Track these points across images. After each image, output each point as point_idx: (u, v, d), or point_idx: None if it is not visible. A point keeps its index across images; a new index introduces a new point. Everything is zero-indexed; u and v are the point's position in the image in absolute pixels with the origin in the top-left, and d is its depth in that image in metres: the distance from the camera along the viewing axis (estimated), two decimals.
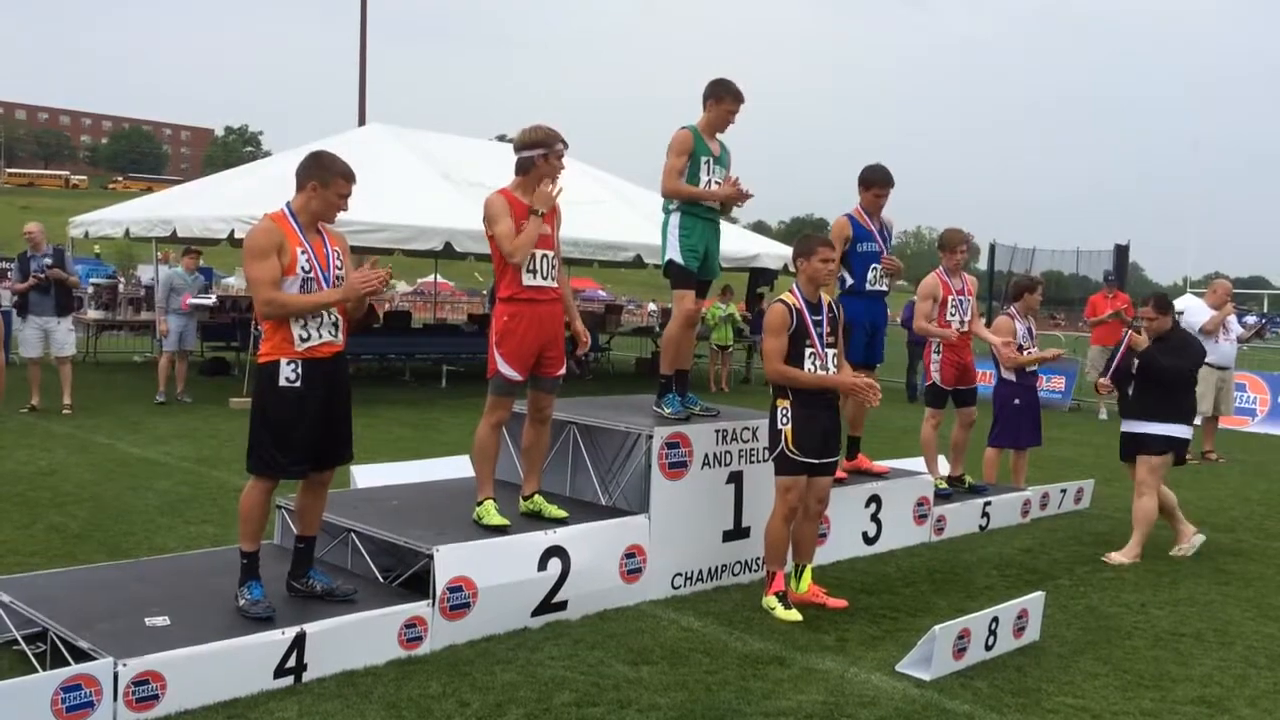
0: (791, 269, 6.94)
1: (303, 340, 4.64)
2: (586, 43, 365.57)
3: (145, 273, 28.77)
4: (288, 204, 4.76)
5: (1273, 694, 4.88)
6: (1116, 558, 7.23)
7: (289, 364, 4.62)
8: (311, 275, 4.66)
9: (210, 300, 13.70)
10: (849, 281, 7.20)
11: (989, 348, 8.82)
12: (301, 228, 4.70)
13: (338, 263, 4.79)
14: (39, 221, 12.71)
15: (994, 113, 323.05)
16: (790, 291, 5.90)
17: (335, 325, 4.76)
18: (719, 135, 6.40)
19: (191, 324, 13.60)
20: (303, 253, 4.64)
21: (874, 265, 7.28)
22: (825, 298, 5.93)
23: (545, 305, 5.52)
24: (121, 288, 21.09)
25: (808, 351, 5.73)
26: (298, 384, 4.63)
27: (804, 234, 6.44)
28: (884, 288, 7.40)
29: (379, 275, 4.69)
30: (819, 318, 5.80)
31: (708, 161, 6.24)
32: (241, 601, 4.70)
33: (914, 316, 8.41)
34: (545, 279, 5.51)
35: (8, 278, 18.34)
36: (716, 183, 6.29)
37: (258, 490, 4.76)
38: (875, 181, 7.34)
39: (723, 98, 6.30)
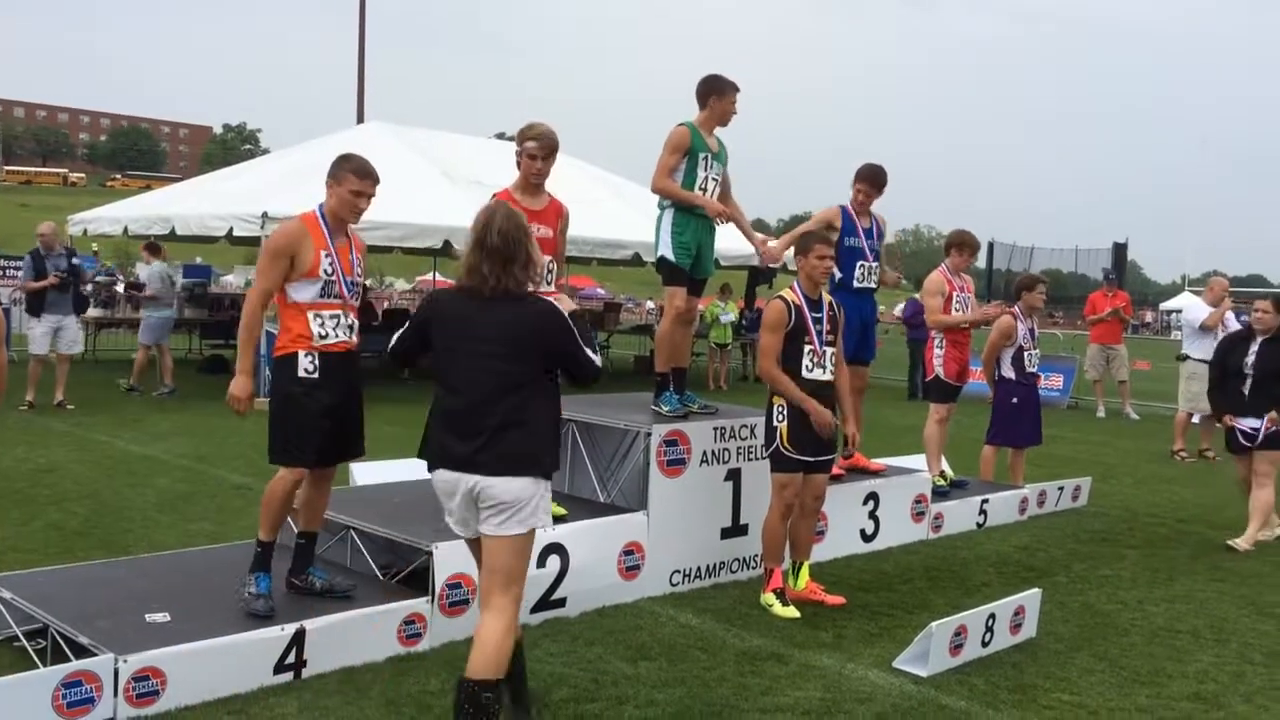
0: (791, 267, 6.95)
1: (320, 338, 4.76)
2: (583, 39, 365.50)
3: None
4: (320, 205, 4.88)
5: (1268, 690, 4.90)
6: (1240, 544, 7.64)
7: (307, 356, 4.72)
8: (334, 278, 4.78)
9: (148, 290, 13.90)
10: (837, 275, 7.18)
11: (983, 346, 8.83)
12: (330, 230, 4.81)
13: (359, 269, 4.93)
14: (51, 222, 12.79)
15: (991, 111, 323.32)
16: (791, 288, 5.91)
17: (351, 326, 4.89)
18: (716, 131, 6.38)
19: (152, 318, 13.82)
20: (326, 255, 4.75)
21: (861, 262, 7.30)
22: (826, 295, 5.95)
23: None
24: (120, 286, 21.13)
25: (806, 349, 5.74)
26: (315, 374, 4.73)
27: (804, 232, 6.44)
28: (872, 285, 7.43)
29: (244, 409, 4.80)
30: (819, 315, 5.81)
31: (705, 158, 6.22)
32: (247, 591, 4.70)
33: (925, 314, 8.42)
34: (537, 285, 5.45)
35: (6, 275, 18.37)
36: (714, 179, 6.28)
37: (285, 481, 4.79)
38: (866, 180, 7.40)
39: (725, 91, 6.28)
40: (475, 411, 3.79)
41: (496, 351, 3.79)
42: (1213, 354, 8.42)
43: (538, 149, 5.46)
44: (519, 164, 5.55)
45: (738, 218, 6.49)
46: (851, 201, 7.40)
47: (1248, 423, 7.74)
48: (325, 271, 4.73)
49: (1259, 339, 7.81)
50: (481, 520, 3.78)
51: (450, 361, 3.86)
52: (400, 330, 4.10)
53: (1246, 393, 7.73)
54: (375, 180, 4.88)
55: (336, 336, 4.80)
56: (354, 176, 4.80)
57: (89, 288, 18.70)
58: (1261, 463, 7.73)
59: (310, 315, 4.73)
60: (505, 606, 3.74)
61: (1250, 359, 7.76)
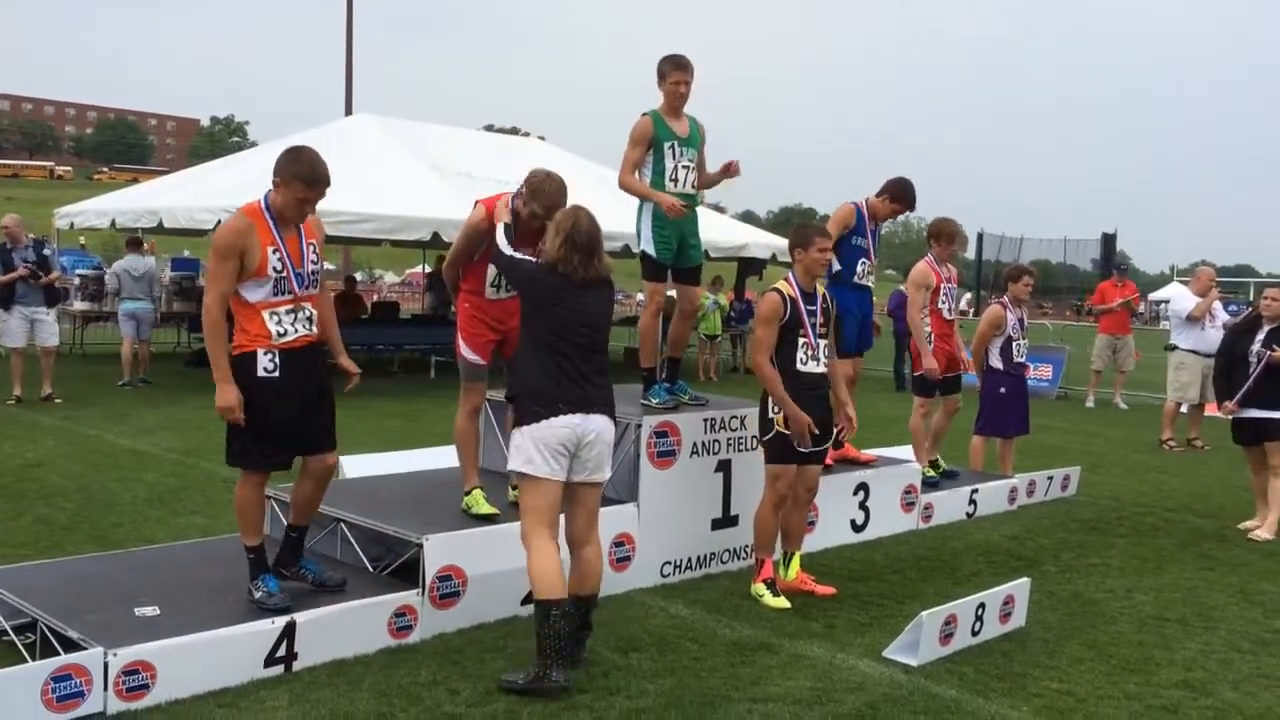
0: (781, 258, 6.96)
1: (280, 336, 4.58)
2: (572, 26, 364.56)
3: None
4: (265, 195, 4.65)
5: (1255, 677, 4.93)
6: (1260, 534, 7.65)
7: (266, 354, 4.54)
8: (284, 274, 4.56)
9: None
10: (835, 268, 7.21)
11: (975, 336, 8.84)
12: (276, 222, 4.59)
13: (314, 256, 4.71)
14: (15, 214, 12.67)
15: (981, 105, 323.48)
16: (785, 280, 5.89)
17: (310, 318, 4.69)
18: (688, 114, 6.26)
19: (125, 308, 14.11)
20: (274, 251, 4.53)
21: (862, 260, 7.37)
22: (820, 288, 5.94)
23: (510, 302, 5.40)
24: (107, 279, 20.98)
25: (800, 341, 5.73)
26: (276, 374, 4.55)
27: (800, 224, 6.42)
28: (869, 284, 7.50)
29: (237, 420, 4.54)
30: (813, 308, 5.81)
31: (672, 146, 6.13)
32: (257, 594, 4.65)
33: (907, 306, 8.39)
34: (509, 293, 5.35)
35: None
36: (685, 165, 6.20)
37: (248, 484, 4.72)
38: (903, 200, 7.45)
39: (665, 73, 6.13)
40: (586, 371, 4.61)
41: (597, 324, 4.70)
42: (1220, 343, 8.48)
43: (541, 211, 5.10)
44: (516, 204, 5.28)
45: (703, 179, 6.37)
46: (871, 206, 7.43)
47: (1262, 413, 7.76)
48: (274, 269, 4.52)
49: (1266, 327, 7.82)
50: (580, 470, 4.59)
51: (559, 331, 4.61)
52: (516, 257, 4.87)
53: (1252, 381, 7.75)
54: (325, 184, 4.62)
55: (296, 331, 4.61)
56: (302, 185, 4.55)
57: (76, 281, 18.60)
58: (1275, 455, 7.73)
59: (265, 314, 4.55)
60: (598, 538, 4.77)
61: (1256, 347, 7.78)
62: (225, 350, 4.53)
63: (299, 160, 4.61)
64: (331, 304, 5.00)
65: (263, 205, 4.62)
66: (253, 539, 4.74)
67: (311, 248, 4.71)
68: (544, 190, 5.13)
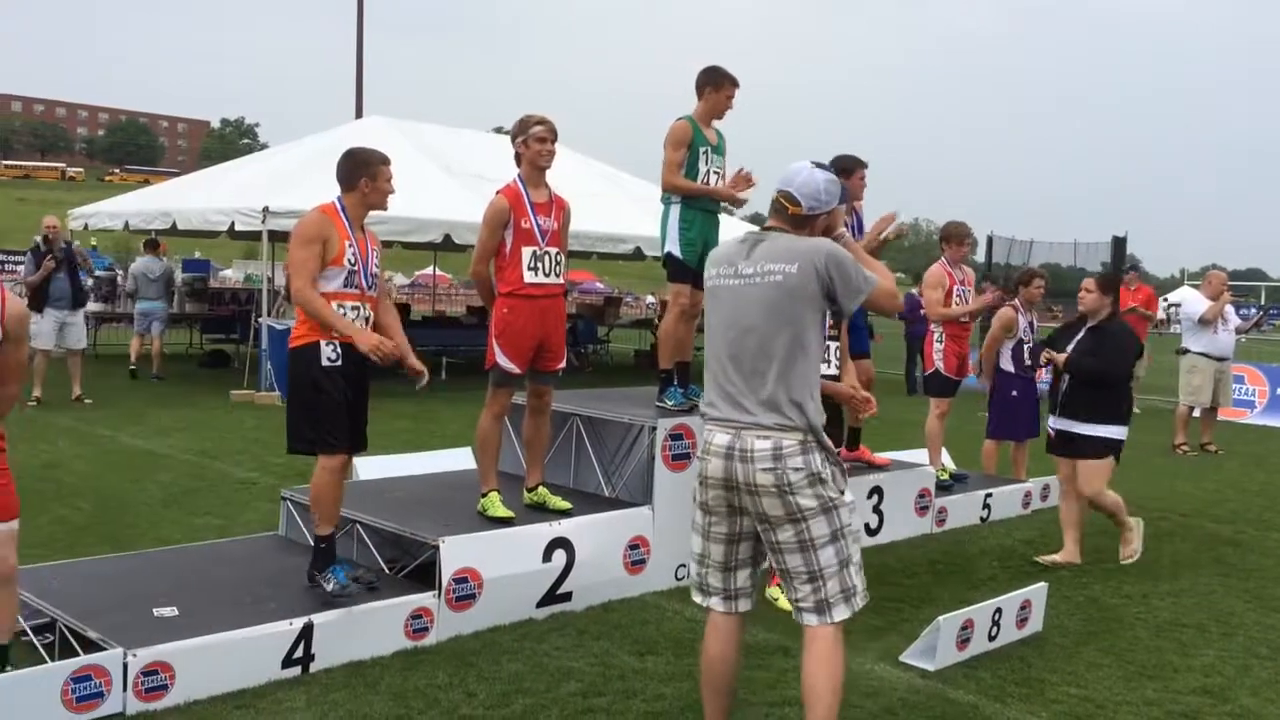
0: None
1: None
2: (583, 31, 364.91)
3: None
4: (339, 199, 4.90)
5: (1274, 684, 4.90)
6: (1053, 559, 6.86)
7: (329, 345, 4.73)
8: (356, 268, 4.82)
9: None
10: None
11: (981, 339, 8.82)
12: (350, 223, 4.85)
13: (376, 260, 4.96)
14: (54, 217, 12.92)
15: (992, 108, 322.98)
16: None
17: (368, 319, 4.91)
18: (715, 123, 6.36)
19: (140, 308, 15.21)
20: (350, 246, 4.80)
21: None
22: None
23: (545, 300, 5.50)
24: (120, 280, 21.04)
25: None
26: (339, 363, 4.74)
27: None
28: None
29: (394, 352, 4.81)
30: None
31: (705, 151, 6.20)
32: (329, 586, 4.74)
33: (925, 307, 8.38)
34: (547, 275, 5.49)
35: (3, 270, 18.41)
36: (715, 172, 6.27)
37: (327, 471, 4.80)
38: (849, 170, 7.17)
39: (721, 84, 6.26)
40: None
41: None
42: (1053, 334, 7.19)
43: (546, 131, 5.47)
44: (521, 156, 5.50)
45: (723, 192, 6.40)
46: None
47: (1067, 425, 6.87)
48: (349, 261, 4.78)
49: (1089, 323, 6.84)
50: None
51: None
52: None
53: (1064, 390, 6.81)
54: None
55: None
56: (385, 166, 4.92)
57: (89, 282, 18.67)
58: (1079, 472, 6.90)
59: (333, 305, 4.74)
60: None
61: (1070, 346, 6.80)
62: (335, 320, 4.70)
63: (370, 153, 4.93)
64: (394, 310, 5.25)
65: (338, 207, 4.88)
66: (326, 528, 4.84)
67: (375, 252, 4.96)
68: (533, 115, 5.49)
